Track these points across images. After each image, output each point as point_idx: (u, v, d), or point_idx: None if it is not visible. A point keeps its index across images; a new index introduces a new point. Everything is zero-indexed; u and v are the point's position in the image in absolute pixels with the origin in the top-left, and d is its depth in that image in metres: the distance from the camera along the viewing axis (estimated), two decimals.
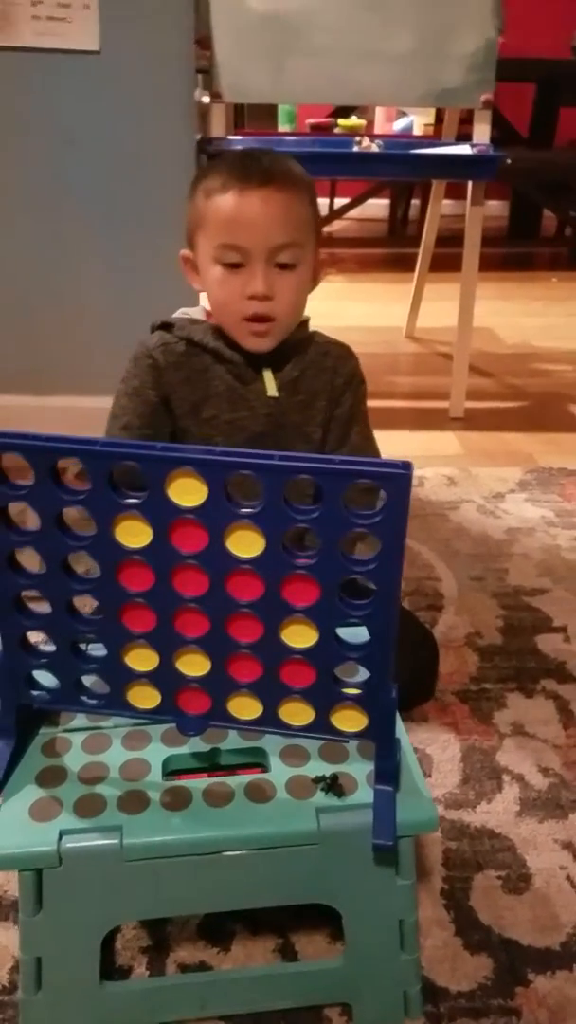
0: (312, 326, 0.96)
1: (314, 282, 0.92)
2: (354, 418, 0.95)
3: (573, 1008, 0.72)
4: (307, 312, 0.94)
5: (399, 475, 0.50)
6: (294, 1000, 0.70)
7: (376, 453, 0.97)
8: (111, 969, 0.72)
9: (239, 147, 1.84)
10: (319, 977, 0.70)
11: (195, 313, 0.94)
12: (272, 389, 0.90)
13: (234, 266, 0.85)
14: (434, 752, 0.97)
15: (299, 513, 0.53)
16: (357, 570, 0.54)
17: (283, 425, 0.92)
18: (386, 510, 0.51)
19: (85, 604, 0.60)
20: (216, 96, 1.71)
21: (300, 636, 0.59)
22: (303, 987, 0.70)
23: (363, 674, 0.60)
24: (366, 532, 0.53)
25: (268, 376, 0.90)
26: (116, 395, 0.90)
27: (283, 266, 0.85)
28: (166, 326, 0.91)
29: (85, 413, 1.67)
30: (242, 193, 0.83)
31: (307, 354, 0.93)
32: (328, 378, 0.93)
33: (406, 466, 0.50)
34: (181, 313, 0.95)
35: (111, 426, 0.89)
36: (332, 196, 3.57)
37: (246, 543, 0.55)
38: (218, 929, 0.76)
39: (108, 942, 0.67)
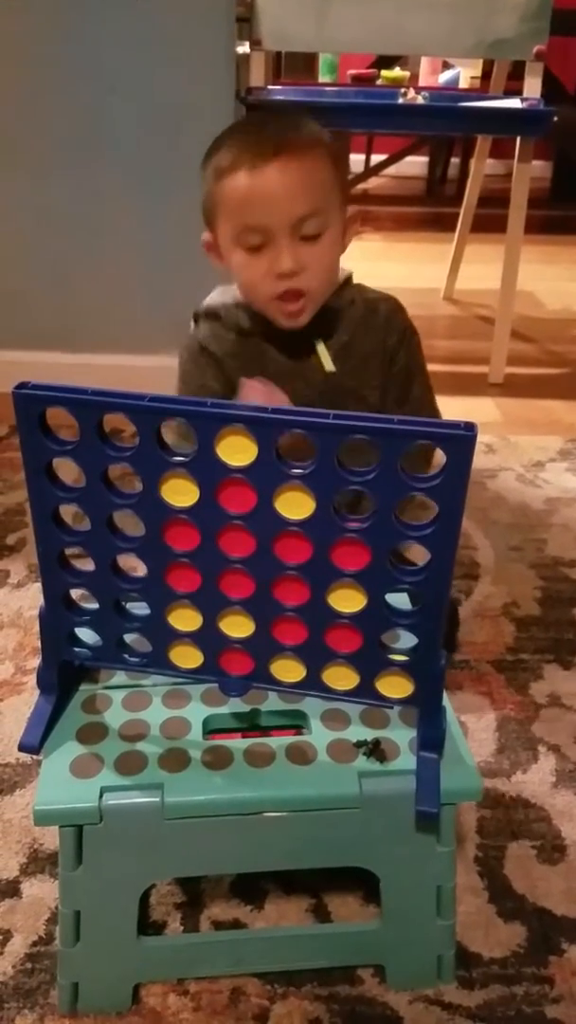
0: (345, 269, 0.92)
1: (345, 242, 0.87)
2: (412, 372, 0.92)
3: None
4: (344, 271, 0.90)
5: (462, 436, 0.48)
6: (328, 960, 0.70)
7: (435, 408, 0.95)
8: (145, 924, 0.73)
9: (283, 97, 1.79)
10: (354, 938, 0.71)
11: (235, 292, 0.91)
12: (328, 363, 0.87)
13: (256, 248, 0.80)
14: (469, 721, 0.97)
15: (352, 475, 0.52)
16: (412, 535, 0.53)
17: (339, 392, 0.89)
18: (446, 472, 0.50)
19: (129, 564, 0.59)
20: (256, 44, 1.65)
21: (348, 601, 0.57)
22: (337, 947, 0.70)
23: (410, 640, 0.59)
24: (421, 496, 0.51)
25: (322, 350, 0.87)
26: (178, 391, 0.88)
27: (308, 238, 0.80)
28: (211, 315, 0.88)
29: (120, 371, 1.66)
30: (254, 169, 0.77)
31: (355, 315, 0.90)
32: (380, 337, 0.90)
33: (469, 427, 0.48)
34: (219, 294, 0.91)
35: None
36: (368, 152, 3.47)
37: (296, 505, 0.54)
38: (252, 888, 0.77)
39: (143, 897, 0.68)
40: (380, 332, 0.90)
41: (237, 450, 0.52)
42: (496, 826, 0.84)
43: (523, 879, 0.79)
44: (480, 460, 1.55)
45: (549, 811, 0.86)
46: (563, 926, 0.75)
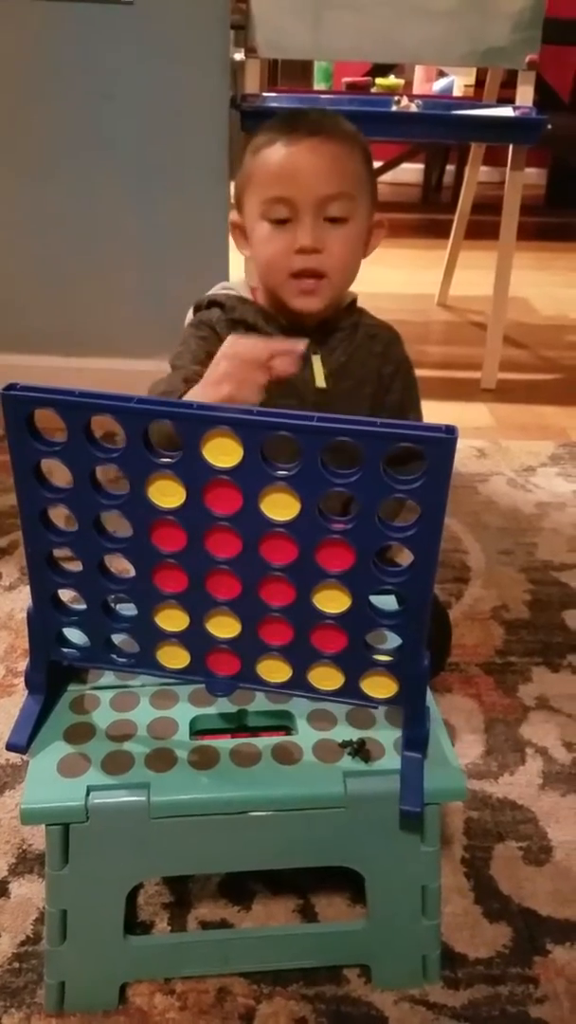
0: (351, 292, 0.93)
1: (368, 246, 0.88)
2: (407, 405, 0.93)
3: None
4: None
5: (443, 439, 0.49)
6: (314, 960, 0.71)
7: None
8: (133, 923, 0.73)
9: (278, 104, 1.81)
10: (340, 938, 0.71)
11: (240, 288, 0.92)
12: (320, 379, 0.87)
13: (281, 222, 0.82)
14: (457, 723, 0.97)
15: (337, 477, 0.52)
16: (395, 536, 0.53)
17: (330, 412, 0.89)
18: (428, 475, 0.50)
19: (116, 564, 0.59)
20: (251, 51, 1.67)
21: (333, 601, 0.58)
22: (324, 947, 0.71)
23: (395, 641, 0.60)
24: (405, 499, 0.52)
25: (317, 365, 0.88)
26: (175, 356, 0.87)
27: (333, 220, 0.82)
28: (215, 304, 0.88)
29: (117, 375, 1.66)
30: (289, 144, 0.81)
31: (356, 338, 0.90)
32: (376, 364, 0.91)
33: (450, 430, 0.49)
34: (222, 288, 0.92)
35: (173, 378, 0.84)
36: None
37: (281, 506, 0.54)
38: (239, 888, 0.77)
39: (130, 897, 0.68)
40: (377, 360, 0.91)
41: (223, 452, 0.53)
42: (483, 827, 0.85)
43: (509, 880, 0.80)
44: (472, 464, 1.55)
45: (536, 813, 0.87)
46: (548, 926, 0.76)
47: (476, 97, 2.51)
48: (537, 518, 1.40)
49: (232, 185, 0.89)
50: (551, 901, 0.78)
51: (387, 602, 0.59)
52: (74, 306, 1.68)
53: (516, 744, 0.95)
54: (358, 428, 0.50)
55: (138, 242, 1.63)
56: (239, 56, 1.70)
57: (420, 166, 3.69)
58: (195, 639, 0.61)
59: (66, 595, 0.62)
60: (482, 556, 1.28)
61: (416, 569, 0.55)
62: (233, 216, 0.89)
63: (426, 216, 3.44)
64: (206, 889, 0.77)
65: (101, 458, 0.54)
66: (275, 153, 0.81)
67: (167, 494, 0.55)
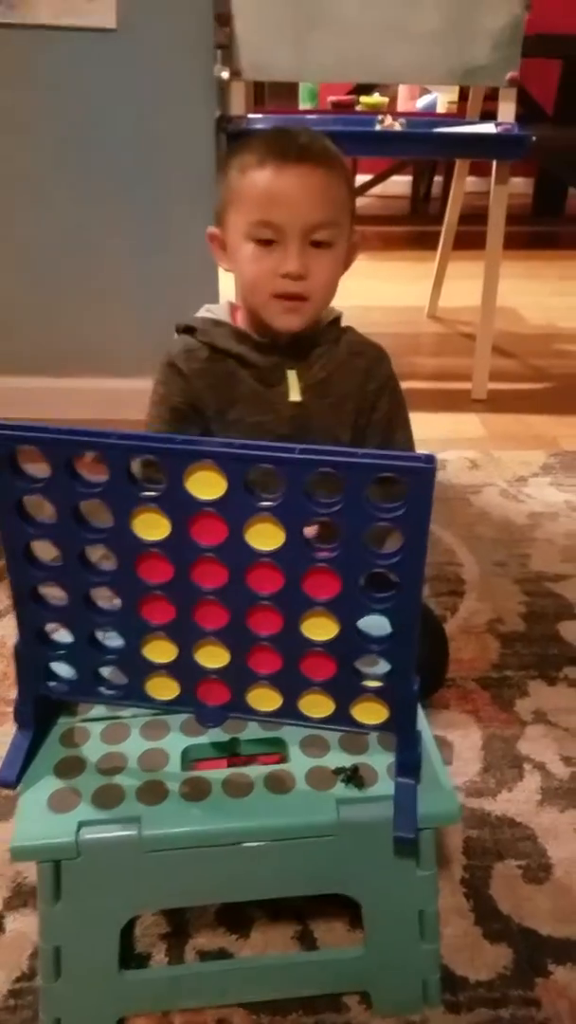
0: (335, 310, 0.94)
1: (346, 265, 0.89)
2: (395, 423, 0.93)
3: None
4: None
5: (422, 469, 0.49)
6: (313, 988, 0.70)
7: None
8: (130, 956, 0.72)
9: (263, 125, 1.82)
10: (339, 966, 0.70)
11: (219, 311, 0.92)
12: (295, 393, 0.88)
13: (267, 243, 0.82)
14: (455, 739, 0.97)
15: (320, 506, 0.53)
16: (380, 564, 0.53)
17: (309, 428, 0.89)
18: (408, 503, 0.50)
19: (103, 596, 0.59)
20: (236, 74, 1.68)
21: (321, 629, 0.58)
22: (323, 975, 0.70)
23: (384, 666, 0.59)
24: (389, 526, 0.52)
25: (292, 379, 0.88)
26: (149, 403, 0.89)
27: (318, 244, 0.83)
28: (189, 330, 0.89)
29: (107, 395, 1.67)
30: (280, 169, 0.81)
31: (337, 354, 0.90)
32: (359, 381, 0.91)
33: (429, 459, 0.49)
34: (205, 312, 0.93)
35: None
36: (354, 173, 3.52)
37: (266, 536, 0.54)
38: (237, 916, 0.76)
39: (127, 929, 0.68)
40: (360, 376, 0.91)
41: (207, 484, 0.53)
42: (482, 846, 0.84)
43: (509, 899, 0.79)
44: (465, 476, 1.56)
45: (535, 829, 0.86)
46: (549, 947, 0.75)
47: (460, 113, 2.53)
48: (530, 528, 1.40)
49: None
50: (551, 920, 0.78)
51: (379, 625, 0.59)
52: (63, 327, 1.69)
53: (514, 760, 0.95)
54: (339, 459, 0.51)
55: (127, 263, 1.64)
56: (226, 75, 1.71)
57: (408, 178, 3.72)
58: (184, 670, 0.61)
59: (52, 628, 0.62)
60: (476, 569, 1.28)
61: (402, 595, 0.55)
62: (212, 229, 0.89)
63: (415, 228, 3.46)
64: (203, 918, 0.76)
65: (84, 493, 0.54)
66: (265, 176, 0.81)
67: (152, 527, 0.55)
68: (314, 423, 0.90)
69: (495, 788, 0.91)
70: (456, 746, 0.96)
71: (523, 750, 0.96)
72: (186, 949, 0.74)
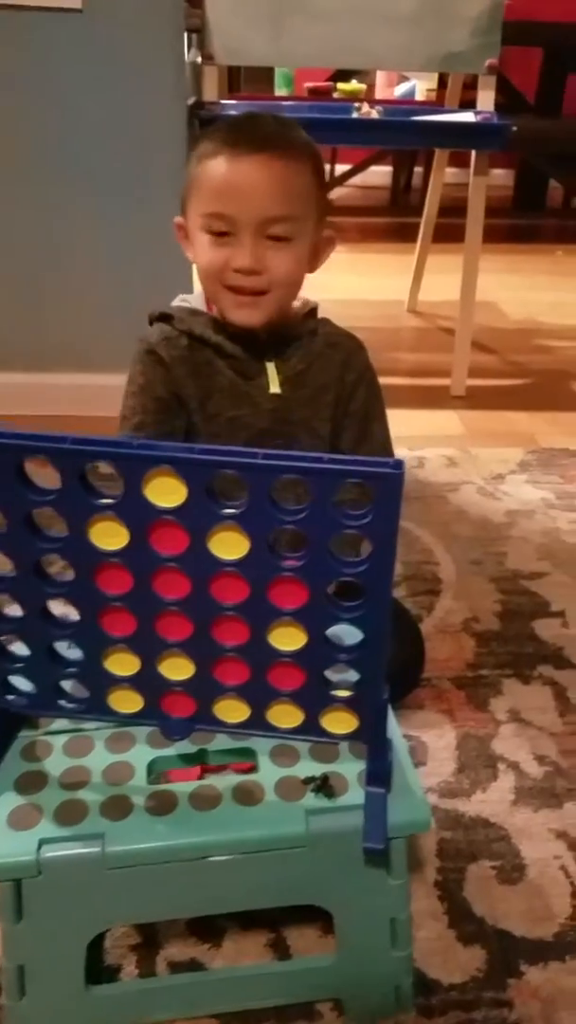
0: (311, 301, 0.92)
1: (315, 262, 0.86)
2: (371, 414, 0.91)
3: (565, 1000, 0.71)
4: (305, 284, 0.89)
5: (390, 475, 0.47)
6: (286, 997, 0.69)
7: (391, 451, 0.94)
8: (100, 968, 0.71)
9: (235, 112, 1.79)
10: (311, 975, 0.70)
11: (194, 300, 0.90)
12: (275, 385, 0.86)
13: (222, 234, 0.80)
14: (429, 740, 0.96)
15: (285, 514, 0.51)
16: (347, 572, 0.52)
17: (289, 421, 0.87)
18: (375, 510, 0.49)
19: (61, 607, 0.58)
20: (208, 58, 1.65)
21: (288, 639, 0.56)
22: (295, 984, 0.69)
23: (353, 676, 0.58)
24: (356, 533, 0.51)
25: (271, 371, 0.86)
26: (123, 397, 0.85)
27: (276, 238, 0.80)
28: (165, 317, 0.86)
29: (85, 391, 1.64)
30: (232, 159, 0.78)
31: (315, 346, 0.88)
32: (337, 372, 0.89)
33: (397, 465, 0.48)
34: (180, 301, 0.90)
35: (122, 427, 0.84)
36: (333, 163, 3.49)
37: (230, 545, 0.53)
38: (209, 925, 0.75)
39: (96, 941, 0.66)
40: (338, 368, 0.89)
41: (166, 491, 0.51)
42: (456, 848, 0.84)
43: (483, 901, 0.79)
44: (442, 474, 1.55)
45: (508, 830, 0.86)
46: (522, 947, 0.75)
47: (439, 101, 2.51)
48: (506, 527, 1.39)
49: None
50: (525, 921, 0.77)
51: (349, 632, 0.58)
52: (36, 321, 1.66)
53: (488, 760, 0.94)
54: (304, 464, 0.49)
55: (101, 254, 1.61)
56: (199, 59, 1.68)
57: (389, 168, 3.69)
58: (148, 682, 0.59)
59: (9, 641, 0.60)
60: (453, 567, 1.27)
61: (370, 603, 0.53)
62: (178, 218, 0.87)
63: (396, 219, 3.44)
64: (175, 928, 0.75)
65: (36, 501, 0.52)
66: (218, 167, 0.78)
67: (110, 535, 0.53)
68: (294, 415, 0.88)
69: (469, 789, 0.90)
70: (430, 746, 0.95)
71: (497, 749, 0.96)
72: (157, 960, 0.73)
